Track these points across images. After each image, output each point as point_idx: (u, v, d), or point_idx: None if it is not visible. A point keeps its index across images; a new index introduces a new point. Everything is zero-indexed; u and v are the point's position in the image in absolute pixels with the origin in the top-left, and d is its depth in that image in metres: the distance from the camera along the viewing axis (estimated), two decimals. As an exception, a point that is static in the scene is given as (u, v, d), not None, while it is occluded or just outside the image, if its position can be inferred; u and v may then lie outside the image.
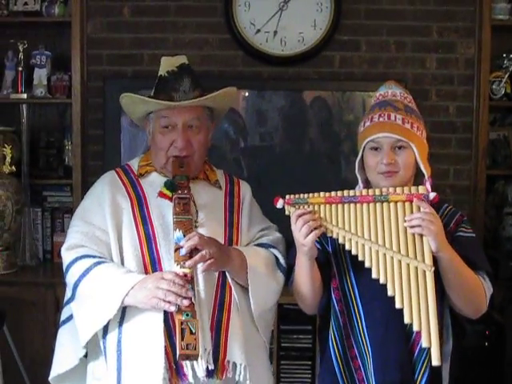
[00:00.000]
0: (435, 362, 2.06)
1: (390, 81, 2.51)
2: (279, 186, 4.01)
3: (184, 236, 2.27)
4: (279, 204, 2.32)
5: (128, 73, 4.29)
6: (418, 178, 2.38)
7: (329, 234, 2.26)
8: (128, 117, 4.06)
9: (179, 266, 2.23)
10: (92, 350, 2.40)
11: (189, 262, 2.22)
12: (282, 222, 2.47)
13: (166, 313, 2.24)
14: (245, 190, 2.66)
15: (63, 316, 2.54)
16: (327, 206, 2.27)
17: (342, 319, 2.37)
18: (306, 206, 2.29)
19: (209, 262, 2.25)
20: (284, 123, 4.24)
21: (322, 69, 4.30)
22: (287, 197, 2.33)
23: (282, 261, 2.52)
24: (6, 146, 3.96)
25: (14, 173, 4.02)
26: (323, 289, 2.40)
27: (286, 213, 2.31)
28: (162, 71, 2.51)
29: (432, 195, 2.19)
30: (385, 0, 4.28)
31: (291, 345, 3.95)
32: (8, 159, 3.94)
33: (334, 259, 2.41)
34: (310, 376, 3.96)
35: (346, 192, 2.27)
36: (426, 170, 2.35)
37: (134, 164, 2.61)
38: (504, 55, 4.28)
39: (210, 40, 4.28)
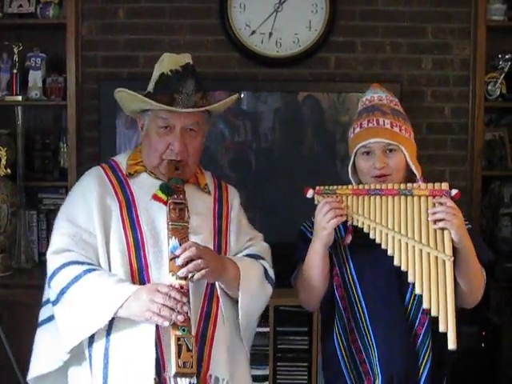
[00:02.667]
0: (451, 345, 2.10)
1: (375, 85, 2.60)
2: (274, 187, 4.02)
3: (180, 245, 2.21)
4: (309, 194, 2.45)
5: (123, 75, 4.29)
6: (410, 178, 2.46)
7: (355, 223, 2.36)
8: (123, 118, 4.08)
9: (175, 277, 2.17)
10: (74, 355, 2.31)
11: (182, 270, 2.16)
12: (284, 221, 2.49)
13: (156, 325, 2.19)
14: (233, 196, 2.61)
15: (43, 315, 2.45)
16: (354, 197, 2.38)
17: (346, 315, 2.43)
18: (334, 197, 2.39)
19: (203, 271, 2.19)
20: (279, 124, 4.24)
21: (317, 70, 4.30)
22: (317, 187, 2.44)
23: (270, 272, 2.50)
24: (1, 148, 3.94)
25: (9, 175, 4.00)
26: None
27: (315, 202, 2.42)
28: (165, 69, 2.40)
29: (454, 191, 2.29)
30: (380, 1, 4.28)
31: (287, 346, 3.93)
32: (3, 162, 3.93)
33: (336, 258, 2.46)
34: (306, 377, 3.95)
35: (372, 185, 2.38)
36: (416, 170, 2.44)
37: (122, 161, 2.51)
38: (499, 56, 4.28)
39: (205, 41, 4.28)
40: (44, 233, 4.28)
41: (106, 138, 4.15)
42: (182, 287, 2.16)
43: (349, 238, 2.41)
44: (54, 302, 2.31)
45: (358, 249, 2.41)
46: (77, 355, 2.31)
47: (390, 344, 2.33)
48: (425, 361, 2.33)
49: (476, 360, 3.86)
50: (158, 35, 4.27)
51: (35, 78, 4.18)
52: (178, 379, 2.17)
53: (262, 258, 2.52)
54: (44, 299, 2.47)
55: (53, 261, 2.33)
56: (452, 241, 2.21)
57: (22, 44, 4.15)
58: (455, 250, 2.23)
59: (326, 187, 2.44)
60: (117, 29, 4.27)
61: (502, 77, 4.25)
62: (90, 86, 4.24)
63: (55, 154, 4.33)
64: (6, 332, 3.48)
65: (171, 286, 2.16)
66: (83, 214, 2.36)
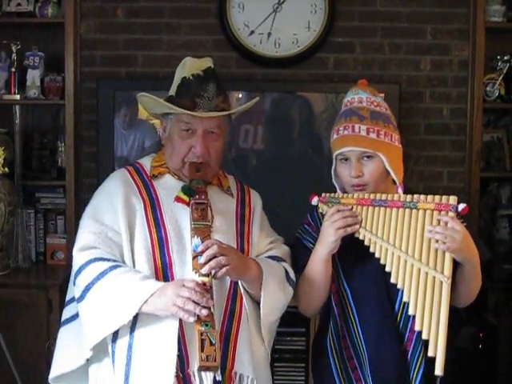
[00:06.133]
0: (438, 372, 2.09)
1: (361, 82, 2.54)
2: (272, 189, 4.00)
3: (202, 243, 2.22)
4: (314, 201, 2.44)
5: (121, 74, 4.28)
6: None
7: (356, 235, 2.32)
8: (121, 118, 4.09)
9: (198, 274, 2.19)
10: (95, 353, 2.33)
11: (205, 268, 2.18)
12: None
13: (179, 321, 2.21)
14: (255, 199, 2.64)
15: (66, 314, 2.49)
16: (358, 207, 2.34)
17: (340, 322, 2.41)
18: (349, 207, 2.35)
19: (226, 268, 2.21)
20: (277, 125, 4.24)
21: (316, 70, 4.30)
22: (322, 195, 2.43)
23: (291, 274, 2.51)
24: (-2, 147, 3.95)
25: (7, 174, 3.99)
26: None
27: (320, 210, 2.43)
28: (187, 73, 2.43)
29: (461, 207, 2.22)
30: (379, 2, 4.28)
31: (285, 347, 3.93)
32: (1, 160, 3.91)
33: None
34: (303, 378, 3.95)
35: (378, 195, 2.33)
36: (396, 177, 2.39)
37: (146, 163, 2.55)
38: (498, 57, 4.28)
39: (203, 41, 4.28)
40: (41, 232, 4.28)
41: (104, 137, 4.15)
42: (204, 284, 2.18)
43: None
44: (79, 299, 2.33)
45: (347, 255, 2.39)
46: (98, 353, 2.33)
47: (381, 351, 2.31)
48: (417, 367, 2.30)
49: (473, 361, 3.85)
50: (157, 35, 4.27)
51: (33, 76, 4.17)
52: (203, 375, 2.19)
53: (284, 261, 2.53)
54: (67, 298, 2.50)
55: (79, 258, 2.34)
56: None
57: (21, 43, 4.14)
58: (460, 264, 2.24)
59: (332, 195, 2.42)
60: (115, 28, 4.27)
61: (500, 78, 4.25)
62: (89, 85, 4.23)
63: (53, 153, 4.32)
64: (2, 331, 3.48)
65: (197, 281, 2.18)
66: (109, 213, 2.39)
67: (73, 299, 2.43)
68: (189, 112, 2.37)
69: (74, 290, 2.42)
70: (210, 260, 2.19)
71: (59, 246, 4.22)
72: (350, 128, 2.37)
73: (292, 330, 3.89)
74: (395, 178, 2.38)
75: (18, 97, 4.15)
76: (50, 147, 4.32)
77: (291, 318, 3.74)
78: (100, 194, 2.49)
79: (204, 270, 2.18)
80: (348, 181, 2.39)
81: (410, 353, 2.31)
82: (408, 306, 2.20)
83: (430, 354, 2.10)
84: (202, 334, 2.10)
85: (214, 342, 2.09)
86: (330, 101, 4.21)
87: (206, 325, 2.12)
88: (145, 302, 2.19)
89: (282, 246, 2.62)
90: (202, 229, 2.28)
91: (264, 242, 2.57)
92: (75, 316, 2.42)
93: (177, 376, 2.19)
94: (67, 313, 2.49)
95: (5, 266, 4.01)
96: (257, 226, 2.56)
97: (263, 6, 4.23)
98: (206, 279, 2.18)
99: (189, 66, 2.46)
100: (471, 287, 2.35)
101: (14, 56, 4.14)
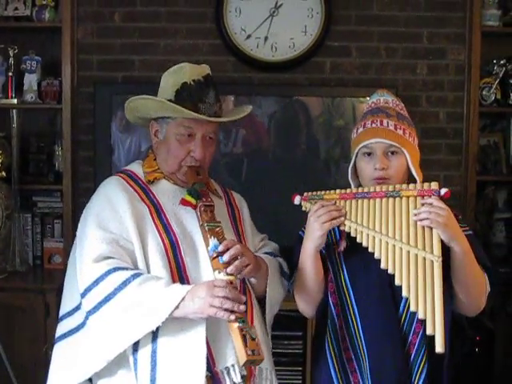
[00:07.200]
0: (439, 348, 2.05)
1: (382, 89, 2.57)
2: (269, 192, 4.01)
3: (220, 243, 2.25)
4: (296, 200, 2.44)
5: (118, 78, 4.29)
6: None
7: (341, 228, 2.32)
8: (117, 122, 4.09)
9: (222, 274, 2.21)
10: (106, 366, 2.26)
11: (231, 268, 2.21)
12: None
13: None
14: (240, 200, 2.68)
15: (63, 329, 2.40)
16: (341, 201, 2.35)
17: (339, 322, 2.39)
18: (332, 201, 2.36)
19: (248, 268, 2.27)
20: (274, 129, 4.24)
21: (312, 75, 4.31)
22: (304, 194, 2.43)
23: (285, 269, 2.54)
24: (-5, 151, 3.95)
25: (4, 178, 4.01)
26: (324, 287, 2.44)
27: (303, 209, 2.42)
28: (187, 79, 2.41)
29: (443, 191, 2.23)
30: (375, 6, 4.29)
31: (282, 350, 3.92)
32: (-2, 164, 3.94)
33: (330, 264, 2.43)
34: (300, 382, 3.95)
35: (360, 188, 2.36)
36: (418, 176, 2.40)
37: (137, 170, 2.51)
38: (494, 61, 4.30)
39: (200, 45, 4.29)
40: (38, 236, 4.28)
41: (101, 141, 4.16)
42: (231, 282, 2.21)
43: (342, 245, 2.38)
44: (93, 311, 2.25)
45: (351, 255, 2.38)
46: (109, 366, 2.27)
47: (382, 354, 2.29)
48: (419, 371, 2.28)
49: (470, 364, 3.86)
50: (154, 39, 4.28)
51: (30, 81, 4.18)
52: (231, 371, 2.23)
53: (278, 256, 2.59)
54: (62, 313, 2.43)
55: (94, 269, 2.25)
56: (443, 241, 2.18)
57: (18, 47, 4.16)
58: (450, 253, 2.21)
59: (314, 193, 2.43)
60: (112, 32, 4.28)
61: (496, 82, 4.26)
62: (86, 89, 4.24)
63: (50, 158, 4.32)
64: (-1, 335, 3.49)
65: (226, 280, 2.21)
66: (113, 221, 2.33)
67: (69, 313, 2.38)
68: (201, 116, 2.36)
69: (71, 304, 2.37)
70: (233, 259, 2.23)
71: (56, 250, 4.23)
72: (379, 122, 2.39)
73: (289, 333, 3.90)
74: (417, 178, 2.39)
75: (15, 101, 4.16)
76: (47, 151, 4.32)
77: (288, 322, 3.77)
78: (100, 203, 2.41)
79: (230, 270, 2.21)
80: (370, 174, 2.38)
81: (412, 357, 2.30)
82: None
83: (429, 332, 2.07)
84: (242, 330, 2.12)
85: (254, 336, 2.13)
86: (327, 105, 4.23)
87: (243, 321, 2.14)
88: (176, 307, 2.16)
89: (271, 242, 2.68)
90: (216, 230, 2.31)
91: (256, 239, 2.62)
92: (74, 330, 2.35)
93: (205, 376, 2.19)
94: (63, 327, 2.40)
95: (2, 270, 4.02)
96: (248, 225, 2.61)
97: (260, 11, 4.24)
98: (232, 278, 2.22)
99: (189, 72, 2.44)
100: (469, 288, 2.30)
101: (11, 60, 4.15)
